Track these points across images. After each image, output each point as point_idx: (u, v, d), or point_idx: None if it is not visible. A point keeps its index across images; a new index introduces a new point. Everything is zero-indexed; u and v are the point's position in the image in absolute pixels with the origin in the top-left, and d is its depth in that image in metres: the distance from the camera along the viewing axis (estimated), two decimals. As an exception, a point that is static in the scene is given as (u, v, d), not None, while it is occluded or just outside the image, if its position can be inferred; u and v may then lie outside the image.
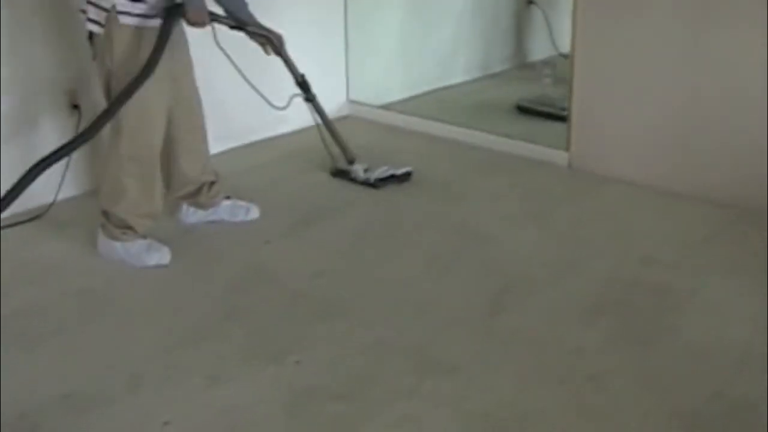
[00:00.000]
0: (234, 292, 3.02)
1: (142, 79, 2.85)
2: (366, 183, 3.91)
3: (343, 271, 3.16)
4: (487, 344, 2.68)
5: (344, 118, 4.96)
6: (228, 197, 3.56)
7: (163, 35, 2.92)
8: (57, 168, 3.52)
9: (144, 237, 3.22)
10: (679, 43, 3.68)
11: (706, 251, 3.29)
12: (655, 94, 3.82)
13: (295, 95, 3.74)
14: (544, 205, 3.77)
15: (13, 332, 2.72)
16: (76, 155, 3.48)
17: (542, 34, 5.93)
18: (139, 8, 2.93)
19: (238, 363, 2.57)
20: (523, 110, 5.01)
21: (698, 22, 3.61)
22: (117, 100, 2.86)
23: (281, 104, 3.63)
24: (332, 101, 4.94)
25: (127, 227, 3.17)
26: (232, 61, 3.28)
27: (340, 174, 4.02)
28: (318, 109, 3.85)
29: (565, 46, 4.72)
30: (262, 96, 3.49)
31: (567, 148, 4.18)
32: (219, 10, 3.26)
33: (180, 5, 2.98)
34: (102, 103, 3.10)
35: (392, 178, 3.93)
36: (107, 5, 2.91)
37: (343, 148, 4.01)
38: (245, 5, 3.39)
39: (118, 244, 3.19)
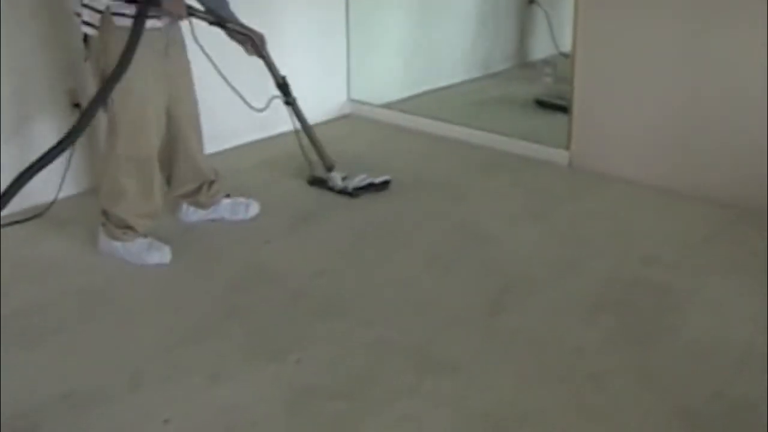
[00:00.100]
0: (234, 290, 3.02)
1: (118, 76, 2.82)
2: (344, 192, 3.80)
3: (343, 270, 3.17)
4: (487, 344, 2.68)
5: (345, 116, 4.97)
6: (228, 195, 3.57)
7: (137, 26, 2.86)
8: (58, 167, 3.54)
9: (145, 236, 3.22)
10: (680, 42, 3.68)
11: (706, 251, 3.29)
12: (656, 94, 3.82)
13: (275, 97, 3.65)
14: (544, 204, 3.77)
15: (13, 331, 2.72)
16: (76, 154, 3.48)
17: (543, 33, 5.93)
18: (133, 9, 2.92)
19: (239, 362, 2.57)
20: (542, 104, 5.02)
21: (699, 22, 3.61)
22: (96, 99, 2.82)
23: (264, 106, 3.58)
24: (333, 100, 4.96)
25: (127, 227, 3.17)
26: (210, 59, 3.22)
27: (317, 182, 3.91)
28: (297, 113, 3.74)
29: (566, 46, 4.73)
30: (241, 97, 3.40)
31: (568, 147, 4.19)
32: (199, 6, 3.23)
33: None
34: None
35: (370, 187, 3.82)
36: (101, 7, 2.90)
37: (321, 155, 3.87)
38: (227, 4, 3.36)
39: (118, 244, 3.19)
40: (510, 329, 2.76)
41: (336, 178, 3.83)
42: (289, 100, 3.69)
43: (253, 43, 3.43)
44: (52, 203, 3.52)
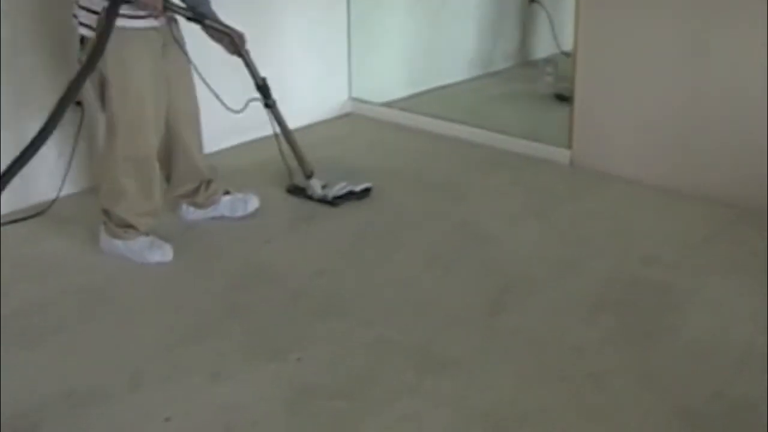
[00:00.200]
0: (235, 290, 3.02)
1: (91, 66, 2.81)
2: (323, 200, 3.68)
3: (343, 270, 3.17)
4: (487, 343, 2.68)
5: (346, 115, 4.97)
6: (227, 192, 3.56)
7: (109, 19, 2.84)
8: (59, 165, 3.55)
9: (146, 234, 3.23)
10: (681, 42, 3.68)
11: (706, 251, 3.29)
12: (657, 93, 3.82)
13: (253, 99, 3.47)
14: (545, 203, 3.77)
15: (13, 330, 2.72)
16: (77, 153, 3.49)
17: (545, 33, 5.92)
18: (129, 9, 2.93)
19: (239, 361, 2.57)
20: (562, 98, 5.01)
21: (699, 21, 3.61)
22: (65, 96, 2.79)
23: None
24: (334, 99, 4.96)
25: (128, 226, 3.18)
26: (188, 58, 3.17)
27: (297, 191, 3.77)
28: (277, 117, 3.58)
29: (567, 45, 4.73)
30: (218, 97, 3.25)
31: (569, 146, 4.18)
32: (177, 1, 3.15)
33: None
34: (95, 106, 3.10)
35: (351, 195, 3.71)
36: (98, 8, 2.90)
37: (301, 161, 3.71)
38: (207, 0, 3.29)
39: (120, 242, 3.20)
40: (510, 329, 2.76)
41: (315, 186, 3.70)
42: (269, 103, 3.53)
43: (231, 40, 3.31)
44: (54, 202, 3.54)
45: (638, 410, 2.34)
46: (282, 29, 4.50)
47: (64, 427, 2.29)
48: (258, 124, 3.65)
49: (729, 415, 2.33)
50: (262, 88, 3.50)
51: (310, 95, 4.74)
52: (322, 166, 3.86)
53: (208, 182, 3.46)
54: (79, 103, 3.67)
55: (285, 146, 3.66)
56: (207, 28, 3.27)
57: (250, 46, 3.39)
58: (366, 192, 3.76)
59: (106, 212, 3.19)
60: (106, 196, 3.19)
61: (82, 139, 3.58)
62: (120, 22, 2.90)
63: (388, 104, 5.01)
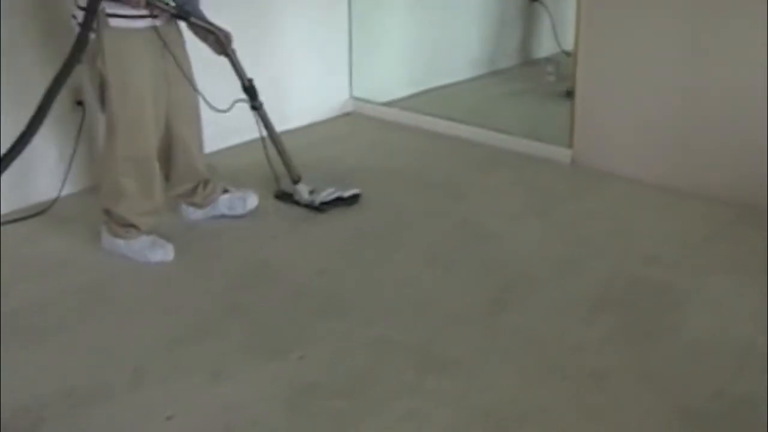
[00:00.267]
0: (235, 289, 3.02)
1: (69, 68, 2.82)
2: (310, 206, 3.62)
3: (343, 269, 3.17)
4: (487, 342, 2.68)
5: (347, 114, 4.97)
6: (226, 190, 3.56)
7: (89, 14, 2.83)
8: (60, 165, 3.56)
9: (148, 233, 3.23)
10: (681, 42, 3.68)
11: (706, 250, 3.30)
12: (657, 93, 3.82)
13: (239, 100, 3.40)
14: (546, 202, 3.77)
15: (14, 329, 2.72)
16: (78, 152, 3.49)
17: (546, 32, 5.92)
18: (127, 9, 2.92)
19: (239, 360, 2.58)
20: (571, 96, 5.00)
21: (699, 21, 3.61)
22: (48, 95, 2.80)
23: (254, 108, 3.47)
24: (335, 98, 4.96)
25: (129, 225, 3.18)
26: (173, 55, 3.12)
27: (284, 197, 3.71)
28: (264, 120, 3.51)
29: (568, 44, 4.72)
30: (203, 97, 3.23)
31: (570, 146, 4.19)
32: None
33: None
34: (95, 105, 3.10)
35: (338, 201, 3.64)
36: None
37: (288, 165, 3.64)
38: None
39: (121, 241, 3.20)
40: (510, 328, 2.76)
41: (303, 192, 3.64)
42: (255, 105, 3.46)
43: (217, 39, 3.26)
44: (55, 201, 3.54)
45: (638, 410, 2.34)
46: (282, 29, 4.50)
47: (64, 426, 2.29)
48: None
49: (729, 414, 2.33)
50: (249, 89, 3.44)
51: (310, 95, 4.74)
52: (322, 165, 3.87)
53: (206, 182, 3.46)
54: (80, 103, 3.68)
55: (272, 150, 3.61)
56: (192, 26, 3.22)
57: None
58: (354, 198, 3.70)
59: (107, 212, 3.20)
60: (106, 195, 3.19)
61: (83, 139, 3.58)
62: (120, 23, 2.91)
63: (389, 104, 5.01)
